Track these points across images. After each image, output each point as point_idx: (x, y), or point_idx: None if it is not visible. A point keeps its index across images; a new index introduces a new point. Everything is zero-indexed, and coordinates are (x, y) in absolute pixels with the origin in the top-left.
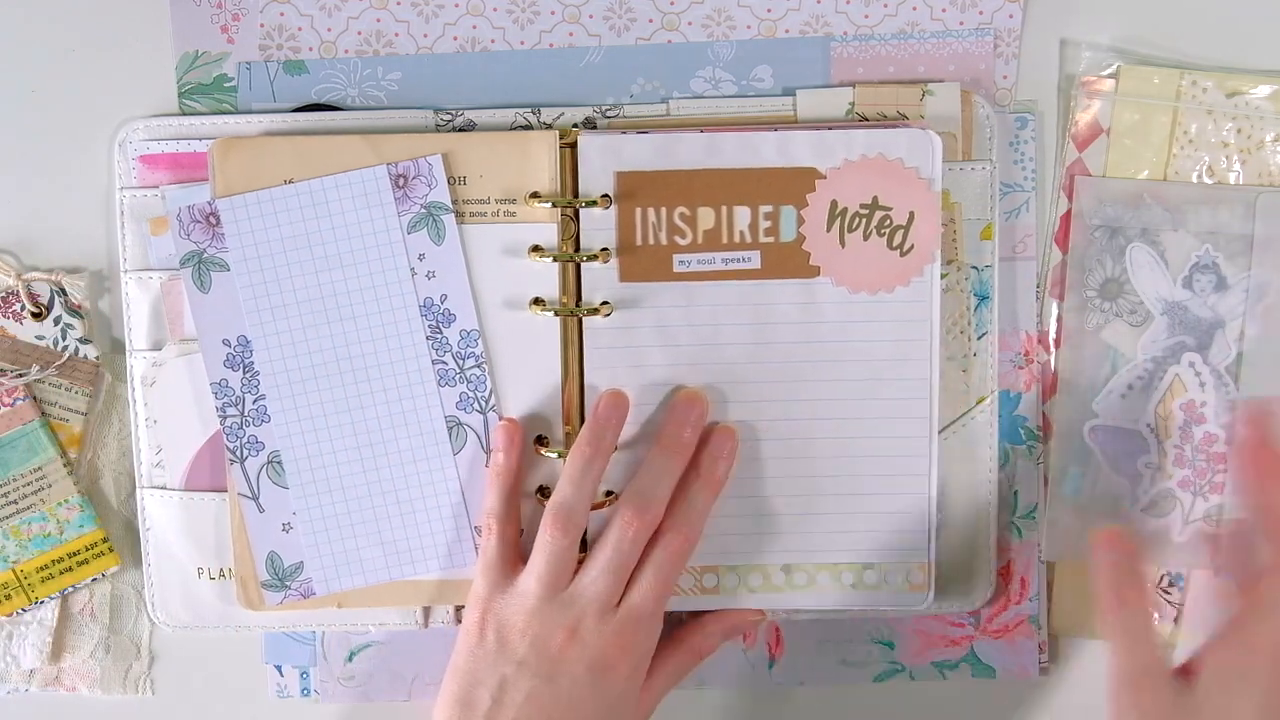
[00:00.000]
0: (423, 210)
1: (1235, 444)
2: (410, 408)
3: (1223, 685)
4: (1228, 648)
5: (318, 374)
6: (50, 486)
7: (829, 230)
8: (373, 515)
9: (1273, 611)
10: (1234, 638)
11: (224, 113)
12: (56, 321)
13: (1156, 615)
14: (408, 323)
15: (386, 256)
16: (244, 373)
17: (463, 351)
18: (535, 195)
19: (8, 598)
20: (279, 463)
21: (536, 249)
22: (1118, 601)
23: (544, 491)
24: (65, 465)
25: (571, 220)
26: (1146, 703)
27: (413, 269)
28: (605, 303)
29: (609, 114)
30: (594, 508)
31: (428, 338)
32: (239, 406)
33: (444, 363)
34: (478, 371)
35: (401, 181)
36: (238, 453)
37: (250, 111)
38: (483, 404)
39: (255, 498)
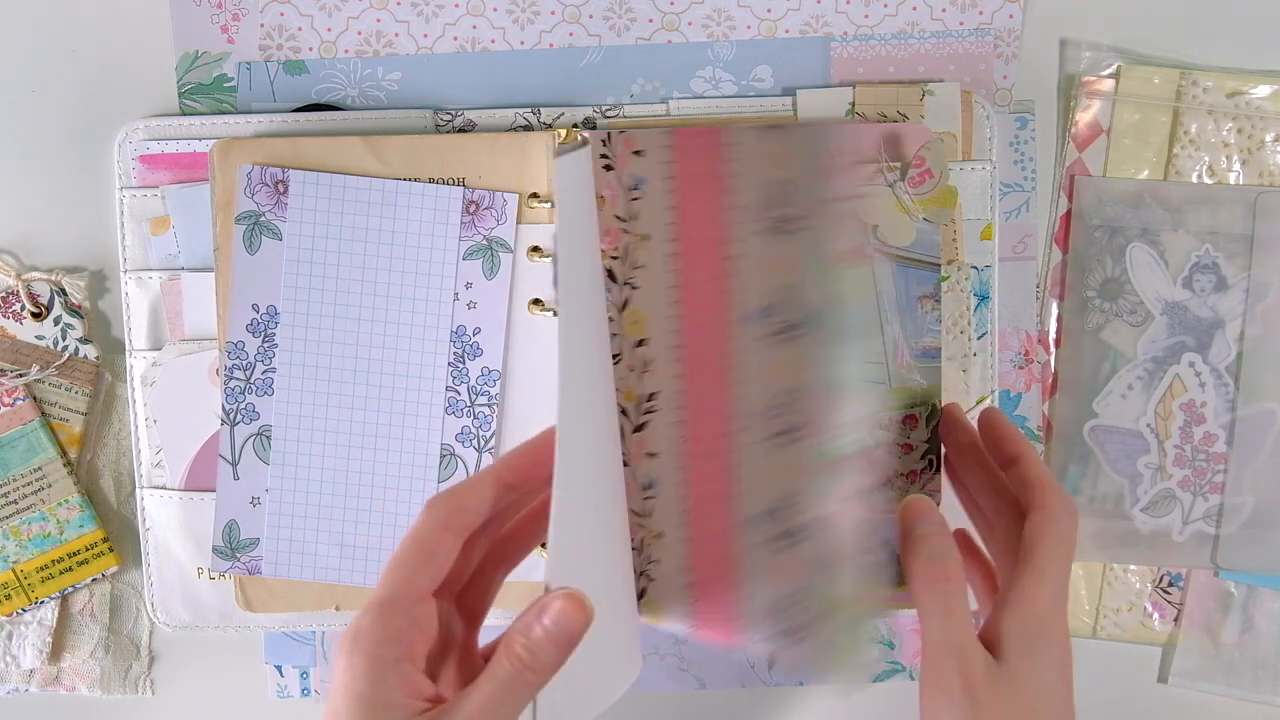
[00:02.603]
0: (484, 241)
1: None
2: (411, 425)
3: (1026, 649)
4: (1018, 614)
5: (333, 364)
6: (50, 486)
7: None
8: (341, 515)
9: (1046, 574)
10: (1020, 603)
11: (224, 113)
12: (56, 321)
13: (969, 589)
14: (435, 344)
15: (435, 274)
16: (262, 340)
17: (479, 387)
18: (534, 196)
19: (8, 598)
20: (268, 437)
21: (536, 249)
22: (932, 578)
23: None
24: (65, 465)
25: None
26: (969, 675)
27: (456, 294)
28: None
29: (609, 114)
30: None
31: (450, 364)
32: (247, 372)
33: (457, 392)
34: (487, 410)
35: (473, 208)
36: (232, 416)
37: (250, 111)
38: (482, 442)
39: (234, 464)
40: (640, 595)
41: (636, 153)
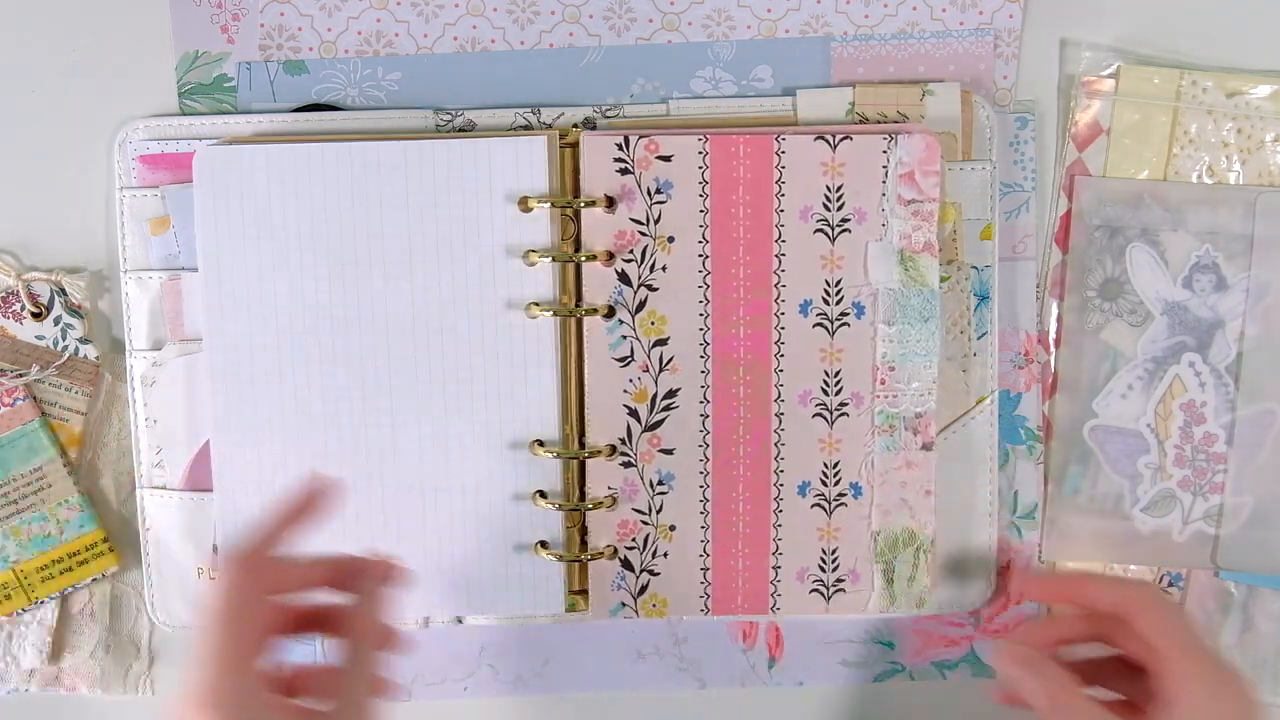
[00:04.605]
0: None
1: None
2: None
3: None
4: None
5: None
6: (50, 486)
7: None
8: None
9: (1186, 664)
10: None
11: (224, 113)
12: (56, 321)
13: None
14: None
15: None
16: None
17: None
18: (534, 196)
19: (8, 598)
20: None
21: (534, 250)
22: (1054, 707)
23: (543, 494)
24: (65, 465)
25: (571, 220)
26: None
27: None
28: (608, 304)
29: (609, 114)
30: (593, 506)
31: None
32: None
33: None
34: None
35: None
36: None
37: (250, 111)
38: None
39: None
40: (641, 591)
41: (663, 158)
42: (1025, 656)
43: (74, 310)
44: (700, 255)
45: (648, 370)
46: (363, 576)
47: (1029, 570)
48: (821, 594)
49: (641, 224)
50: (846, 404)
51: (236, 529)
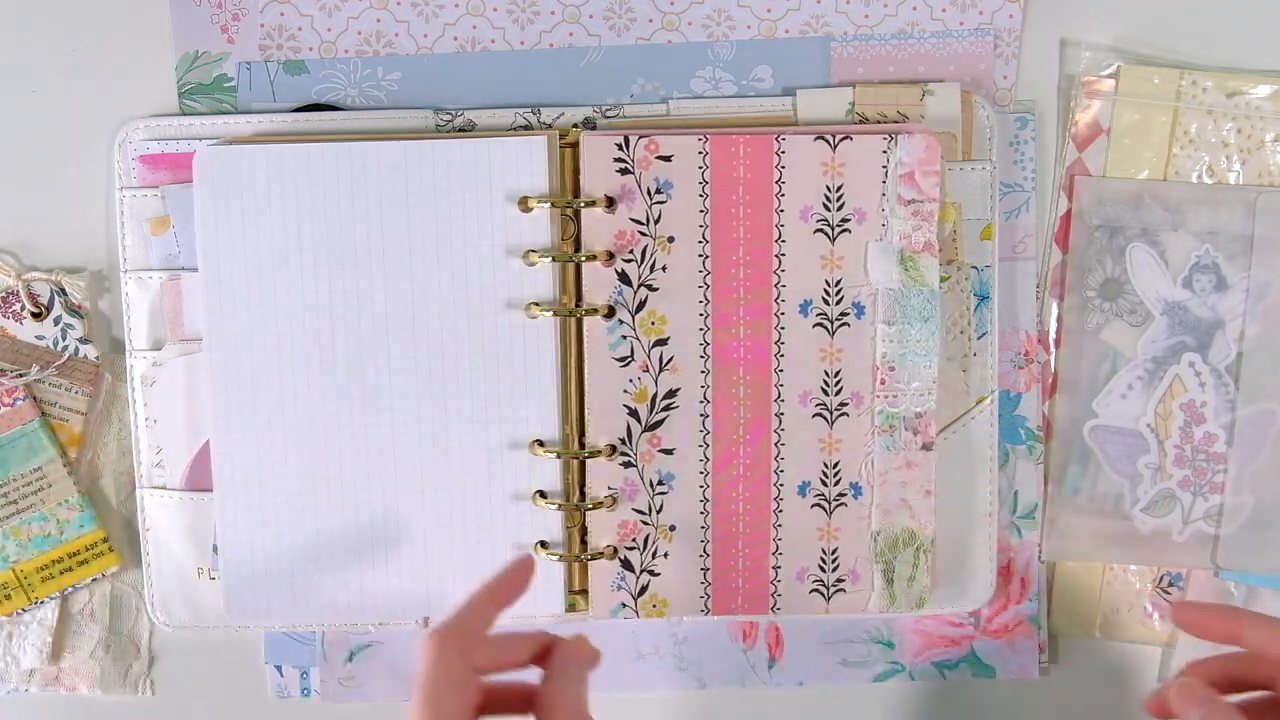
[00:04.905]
0: None
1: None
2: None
3: None
4: None
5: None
6: (50, 486)
7: None
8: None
9: None
10: None
11: (224, 113)
12: (56, 321)
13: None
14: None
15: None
16: None
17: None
18: (534, 196)
19: (8, 598)
20: None
21: (534, 250)
22: None
23: (544, 495)
24: (65, 465)
25: (571, 220)
26: None
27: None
28: (608, 304)
29: (609, 114)
30: (593, 506)
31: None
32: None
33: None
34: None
35: None
36: None
37: (250, 111)
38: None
39: None
40: (641, 592)
41: (663, 158)
42: (1200, 695)
43: (74, 310)
44: (700, 255)
45: (648, 370)
46: (561, 657)
47: (1188, 602)
48: (821, 594)
49: (641, 224)
50: (846, 404)
51: (239, 533)
